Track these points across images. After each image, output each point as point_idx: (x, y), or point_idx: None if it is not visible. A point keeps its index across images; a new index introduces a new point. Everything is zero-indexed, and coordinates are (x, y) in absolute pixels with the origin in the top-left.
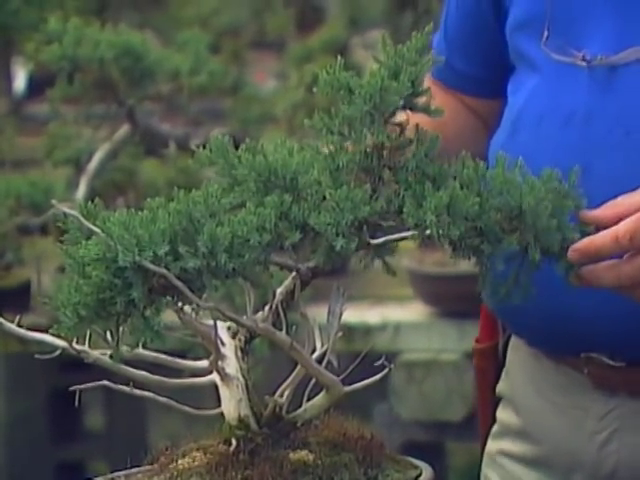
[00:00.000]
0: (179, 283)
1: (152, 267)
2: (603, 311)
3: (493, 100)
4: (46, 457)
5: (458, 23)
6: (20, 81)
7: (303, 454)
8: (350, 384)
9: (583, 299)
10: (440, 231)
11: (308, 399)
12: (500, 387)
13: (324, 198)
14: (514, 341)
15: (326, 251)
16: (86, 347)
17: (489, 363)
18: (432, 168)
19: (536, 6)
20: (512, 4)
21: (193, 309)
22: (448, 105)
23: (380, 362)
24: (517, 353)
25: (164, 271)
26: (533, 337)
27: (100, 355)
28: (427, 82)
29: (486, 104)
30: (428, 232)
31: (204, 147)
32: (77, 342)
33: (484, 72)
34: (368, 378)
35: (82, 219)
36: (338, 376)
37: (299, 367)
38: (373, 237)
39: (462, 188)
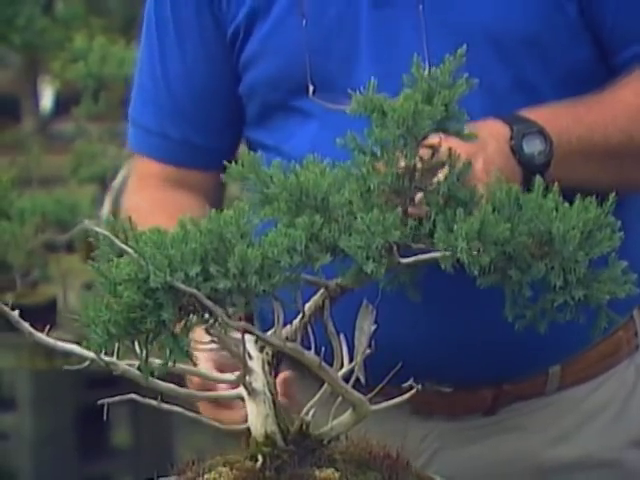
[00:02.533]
0: (210, 303)
1: (183, 287)
2: (432, 339)
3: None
4: (73, 473)
5: (186, 86)
6: (47, 99)
7: (329, 472)
8: None
9: (411, 328)
10: (470, 258)
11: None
12: None
13: (355, 219)
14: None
15: (355, 272)
16: (114, 359)
17: None
18: (463, 192)
19: (291, 64)
20: (257, 61)
21: (222, 328)
22: (184, 206)
23: (409, 383)
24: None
25: (195, 291)
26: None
27: (128, 367)
28: (141, 168)
29: (210, 177)
30: (458, 256)
31: (236, 162)
32: (105, 354)
33: (219, 141)
34: None
35: (114, 239)
36: (365, 394)
37: (326, 385)
38: (403, 256)
39: (493, 212)
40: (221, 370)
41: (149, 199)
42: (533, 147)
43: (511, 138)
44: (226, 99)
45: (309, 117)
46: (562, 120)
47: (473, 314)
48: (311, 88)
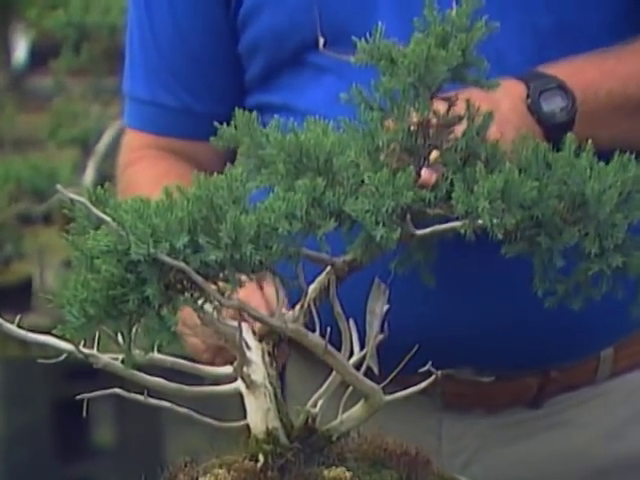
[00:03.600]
0: (199, 278)
1: (169, 260)
2: (467, 319)
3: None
4: (50, 476)
5: (180, 49)
6: (20, 51)
7: (339, 472)
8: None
9: (450, 310)
10: (494, 220)
11: (344, 409)
12: None
13: (362, 182)
14: None
15: (364, 242)
16: (95, 351)
17: None
18: (485, 148)
19: (297, 14)
20: (258, 13)
21: (215, 308)
22: (177, 174)
23: (426, 368)
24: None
25: (182, 265)
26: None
27: (111, 360)
28: (133, 141)
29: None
30: (480, 221)
31: (228, 123)
32: (85, 345)
33: (220, 107)
34: None
35: (90, 206)
36: (378, 384)
37: (334, 373)
38: (418, 228)
39: (519, 172)
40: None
41: (148, 173)
42: (553, 104)
43: (527, 96)
44: (224, 62)
45: (324, 71)
46: (588, 73)
47: (514, 290)
48: (321, 41)
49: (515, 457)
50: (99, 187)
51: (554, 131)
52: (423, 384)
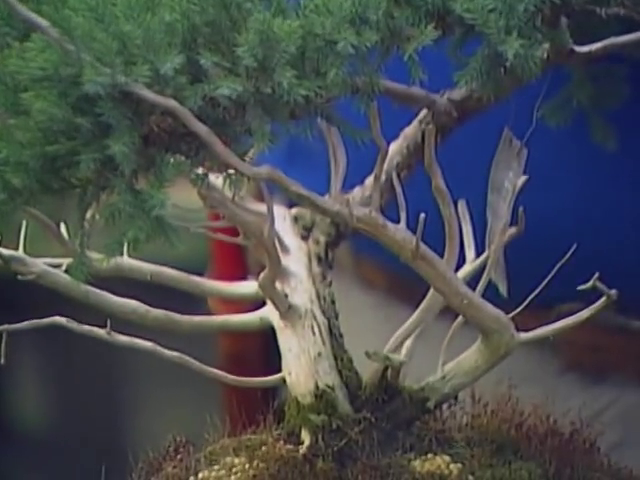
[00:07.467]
0: (202, 127)
1: (150, 96)
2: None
3: None
4: None
5: None
6: None
7: (440, 462)
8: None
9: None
10: None
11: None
12: None
13: None
14: None
15: (486, 64)
16: (21, 252)
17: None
18: None
19: None
20: None
21: (228, 178)
22: None
23: (589, 284)
24: None
25: (173, 103)
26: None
27: (49, 267)
28: None
29: None
30: None
31: None
32: (2, 244)
33: None
34: None
35: (14, 1)
36: (507, 312)
37: (431, 294)
38: (580, 41)
39: None
40: None
41: None
42: None
43: None
44: None
45: None
46: None
47: None
48: None
49: None
50: None
51: None
52: (590, 309)
